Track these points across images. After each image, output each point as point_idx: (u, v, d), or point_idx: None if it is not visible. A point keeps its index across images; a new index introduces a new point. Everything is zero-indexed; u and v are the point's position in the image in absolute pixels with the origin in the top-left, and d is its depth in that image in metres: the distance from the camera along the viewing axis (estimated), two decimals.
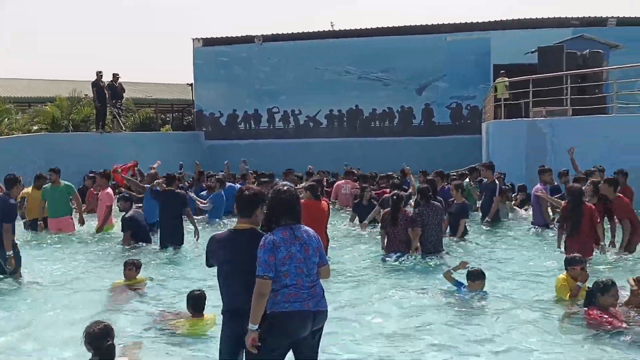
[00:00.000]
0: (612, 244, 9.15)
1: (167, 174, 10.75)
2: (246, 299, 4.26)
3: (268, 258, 4.24)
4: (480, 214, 12.25)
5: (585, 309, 6.15)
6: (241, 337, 4.27)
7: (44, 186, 11.64)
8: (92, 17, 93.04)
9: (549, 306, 6.76)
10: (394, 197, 9.30)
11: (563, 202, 9.33)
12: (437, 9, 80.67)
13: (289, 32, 28.53)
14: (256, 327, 4.20)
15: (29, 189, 11.97)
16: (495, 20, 26.54)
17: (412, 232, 9.05)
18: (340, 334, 5.96)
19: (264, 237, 4.35)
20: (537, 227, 11.10)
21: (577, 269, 6.75)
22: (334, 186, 14.98)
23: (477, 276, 7.08)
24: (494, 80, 21.07)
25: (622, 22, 25.58)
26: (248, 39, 28.76)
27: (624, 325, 5.81)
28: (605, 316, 5.89)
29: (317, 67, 27.86)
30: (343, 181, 14.87)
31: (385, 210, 9.59)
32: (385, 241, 9.38)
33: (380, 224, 9.81)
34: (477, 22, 26.86)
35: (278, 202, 4.51)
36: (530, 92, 15.67)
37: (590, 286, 6.28)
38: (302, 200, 9.08)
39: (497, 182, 11.98)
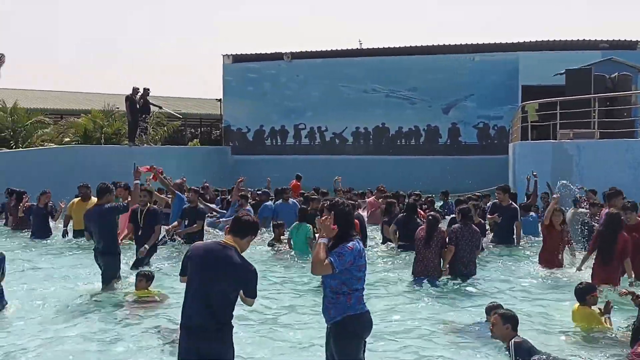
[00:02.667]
0: None
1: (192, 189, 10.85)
2: (203, 317, 4.44)
3: (347, 260, 4.52)
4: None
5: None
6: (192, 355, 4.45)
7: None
8: (127, 33, 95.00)
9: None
10: (430, 217, 9.22)
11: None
12: (464, 29, 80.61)
13: (318, 49, 28.82)
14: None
15: (74, 200, 12.42)
16: (523, 42, 26.48)
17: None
18: None
19: (353, 243, 4.58)
20: None
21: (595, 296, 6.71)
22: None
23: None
24: (522, 101, 20.97)
25: None
26: (277, 56, 29.07)
27: None
28: None
29: (344, 85, 28.06)
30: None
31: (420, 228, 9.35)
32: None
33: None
34: (505, 42, 26.84)
35: (348, 215, 4.76)
36: (558, 114, 15.56)
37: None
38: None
39: (515, 205, 11.95)
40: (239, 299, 4.63)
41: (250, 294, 4.63)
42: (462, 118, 27.20)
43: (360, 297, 4.67)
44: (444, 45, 27.40)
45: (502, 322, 5.69)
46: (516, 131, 19.83)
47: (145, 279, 7.72)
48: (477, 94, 26.65)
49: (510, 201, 12.11)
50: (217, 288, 4.47)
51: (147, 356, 6.06)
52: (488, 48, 26.94)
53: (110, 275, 8.31)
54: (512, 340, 5.52)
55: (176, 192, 12.49)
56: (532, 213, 12.99)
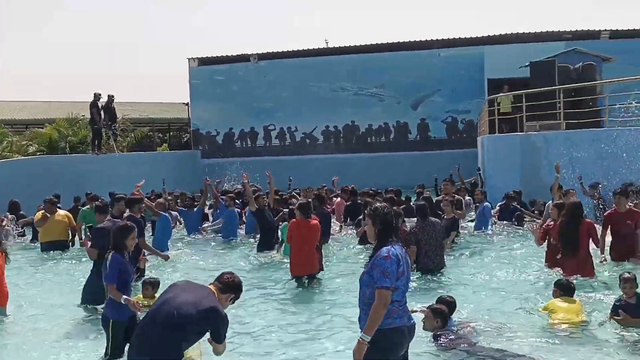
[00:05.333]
0: None
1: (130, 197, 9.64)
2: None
3: (393, 270, 4.15)
4: None
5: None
6: None
7: (83, 209, 12.36)
8: (88, 38, 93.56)
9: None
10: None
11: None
12: (429, 25, 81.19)
13: (284, 50, 28.74)
14: (369, 338, 4.10)
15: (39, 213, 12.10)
16: (488, 35, 26.69)
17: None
18: None
19: (387, 249, 4.23)
20: None
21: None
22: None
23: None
24: (489, 94, 21.13)
25: (616, 34, 25.66)
26: (244, 58, 28.89)
27: None
28: None
29: (312, 84, 28.01)
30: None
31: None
32: None
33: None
34: (470, 37, 27.06)
35: (390, 219, 4.40)
36: (524, 106, 15.71)
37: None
38: (293, 220, 9.12)
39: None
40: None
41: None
42: (430, 113, 27.36)
43: (393, 310, 4.19)
44: (411, 41, 27.50)
45: (433, 316, 5.99)
46: (484, 124, 19.97)
47: (151, 287, 7.60)
48: (445, 89, 26.84)
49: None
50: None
51: None
52: (454, 43, 27.13)
53: None
54: (432, 334, 5.90)
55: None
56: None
